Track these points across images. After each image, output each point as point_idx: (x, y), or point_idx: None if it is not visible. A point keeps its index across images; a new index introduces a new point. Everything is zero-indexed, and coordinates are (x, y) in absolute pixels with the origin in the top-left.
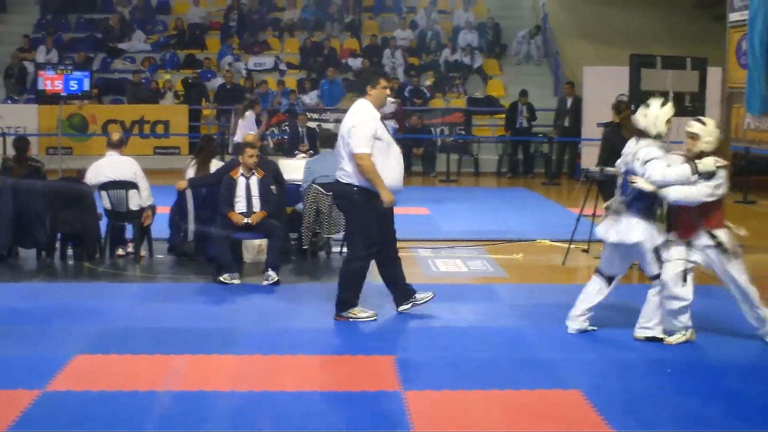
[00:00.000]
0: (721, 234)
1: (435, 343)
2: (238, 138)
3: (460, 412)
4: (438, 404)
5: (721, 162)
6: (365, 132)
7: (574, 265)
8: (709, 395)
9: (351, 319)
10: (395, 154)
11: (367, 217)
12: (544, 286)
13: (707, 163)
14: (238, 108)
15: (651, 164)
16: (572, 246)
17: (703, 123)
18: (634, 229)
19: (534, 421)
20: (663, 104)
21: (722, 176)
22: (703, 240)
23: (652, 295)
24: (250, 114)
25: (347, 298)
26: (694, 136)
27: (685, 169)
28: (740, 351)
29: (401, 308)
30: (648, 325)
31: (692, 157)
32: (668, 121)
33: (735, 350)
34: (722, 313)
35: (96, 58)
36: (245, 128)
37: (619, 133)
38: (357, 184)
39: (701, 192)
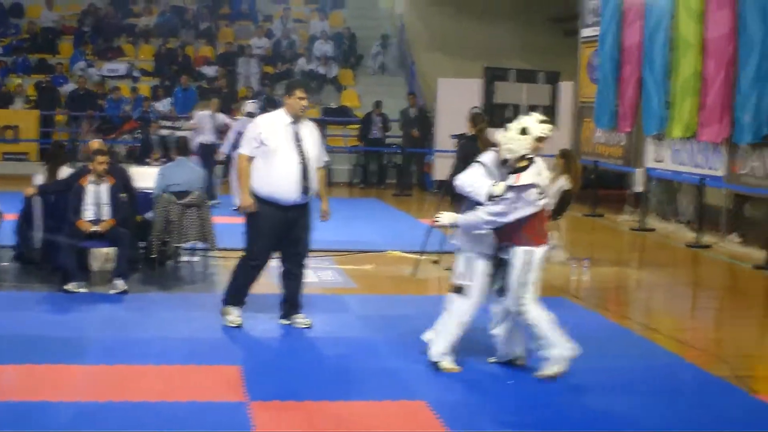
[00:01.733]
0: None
1: (282, 352)
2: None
3: (306, 422)
4: (283, 415)
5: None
6: (247, 134)
7: (425, 276)
8: (553, 407)
9: (222, 314)
10: (282, 162)
11: (252, 223)
12: (393, 297)
13: (498, 188)
14: (89, 113)
15: (472, 166)
16: (423, 257)
17: (507, 129)
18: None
19: None
20: (523, 131)
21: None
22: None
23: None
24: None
25: (225, 297)
26: (497, 144)
27: (483, 187)
28: (581, 364)
29: (280, 321)
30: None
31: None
32: (539, 140)
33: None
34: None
35: None
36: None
37: (474, 145)
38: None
39: (478, 218)
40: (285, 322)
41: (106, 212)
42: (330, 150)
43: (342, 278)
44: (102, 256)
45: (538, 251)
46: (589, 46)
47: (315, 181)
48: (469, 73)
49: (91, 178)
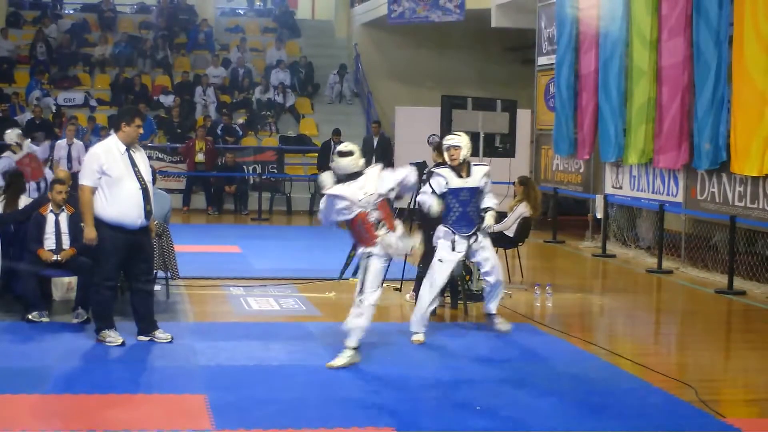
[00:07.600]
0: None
1: (247, 381)
2: None
3: None
4: None
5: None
6: (88, 165)
7: (386, 303)
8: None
9: (99, 341)
10: (126, 190)
11: (101, 249)
12: None
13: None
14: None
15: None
16: (384, 285)
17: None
18: None
19: None
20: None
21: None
22: None
23: None
24: None
25: (97, 325)
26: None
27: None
28: (549, 388)
29: (138, 338)
30: None
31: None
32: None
33: (544, 388)
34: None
35: None
36: None
37: None
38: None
39: None
40: (144, 338)
41: (66, 241)
42: (289, 178)
43: (305, 306)
44: (64, 285)
45: (372, 251)
46: (545, 74)
47: (153, 203)
48: (426, 101)
49: (50, 207)
